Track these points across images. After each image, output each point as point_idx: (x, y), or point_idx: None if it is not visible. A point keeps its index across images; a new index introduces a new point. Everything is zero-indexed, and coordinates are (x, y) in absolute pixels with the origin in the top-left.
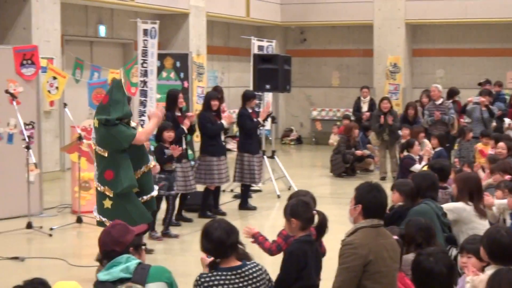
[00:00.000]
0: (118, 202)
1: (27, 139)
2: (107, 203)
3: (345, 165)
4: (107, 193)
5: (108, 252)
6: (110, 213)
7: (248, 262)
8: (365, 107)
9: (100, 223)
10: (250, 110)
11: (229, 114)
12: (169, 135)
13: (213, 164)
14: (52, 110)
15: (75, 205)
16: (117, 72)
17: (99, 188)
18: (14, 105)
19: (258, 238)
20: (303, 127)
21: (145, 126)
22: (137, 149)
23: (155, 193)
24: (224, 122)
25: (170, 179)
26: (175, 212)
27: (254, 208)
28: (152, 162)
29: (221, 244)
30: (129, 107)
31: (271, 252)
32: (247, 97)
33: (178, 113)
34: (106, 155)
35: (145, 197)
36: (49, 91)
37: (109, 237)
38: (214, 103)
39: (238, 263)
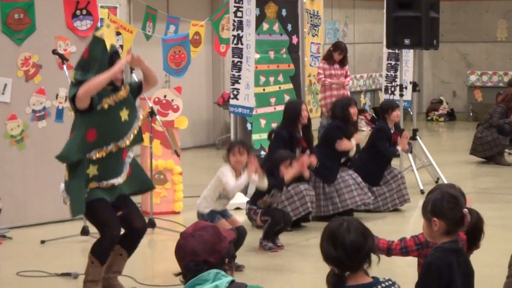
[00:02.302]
0: (68, 175)
1: None
2: (66, 174)
3: (502, 142)
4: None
5: (199, 263)
6: (66, 187)
7: (381, 279)
8: None
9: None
10: (392, 129)
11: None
12: (285, 168)
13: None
14: None
15: (146, 204)
16: (201, 25)
17: None
18: (64, 70)
19: (378, 244)
20: (456, 98)
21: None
22: (109, 118)
23: (117, 181)
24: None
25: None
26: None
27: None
28: (125, 142)
29: (357, 251)
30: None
31: (389, 251)
32: (384, 109)
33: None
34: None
35: (105, 182)
36: None
37: (201, 243)
38: (354, 112)
39: (369, 279)
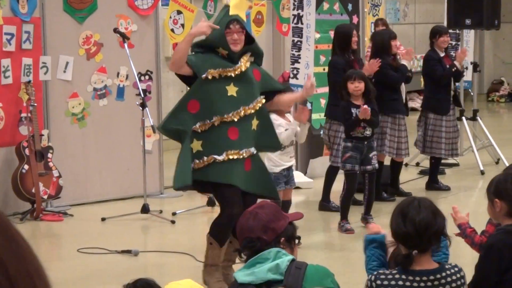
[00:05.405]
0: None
1: (142, 94)
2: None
3: None
4: None
5: (252, 240)
6: None
7: (447, 265)
8: None
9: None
10: (442, 54)
11: (409, 49)
12: (355, 86)
13: (386, 127)
14: None
15: None
16: (262, 4)
17: None
18: (125, 48)
19: (465, 230)
20: None
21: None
22: (213, 90)
23: (218, 157)
24: (405, 61)
25: (360, 148)
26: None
27: (447, 189)
28: (230, 116)
29: (426, 228)
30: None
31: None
32: (432, 34)
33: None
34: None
35: (205, 158)
36: (172, 30)
37: (256, 220)
38: (394, 44)
39: (435, 265)
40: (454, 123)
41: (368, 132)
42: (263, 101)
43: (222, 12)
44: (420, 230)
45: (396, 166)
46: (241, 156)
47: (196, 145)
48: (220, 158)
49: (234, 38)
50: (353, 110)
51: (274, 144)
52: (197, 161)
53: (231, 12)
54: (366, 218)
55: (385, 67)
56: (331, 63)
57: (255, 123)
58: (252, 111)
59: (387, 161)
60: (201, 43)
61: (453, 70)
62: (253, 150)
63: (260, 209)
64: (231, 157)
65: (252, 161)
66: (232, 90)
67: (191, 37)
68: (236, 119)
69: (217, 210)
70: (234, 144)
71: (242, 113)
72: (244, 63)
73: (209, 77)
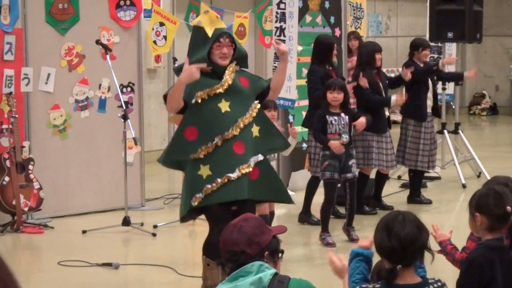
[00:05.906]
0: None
1: (124, 106)
2: None
3: None
4: None
5: (236, 253)
6: None
7: (430, 280)
8: None
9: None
10: (421, 66)
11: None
12: (333, 97)
13: (373, 140)
14: (158, 67)
15: None
16: (245, 16)
17: None
18: (107, 60)
19: (446, 248)
20: (499, 92)
21: None
22: (206, 112)
23: (232, 175)
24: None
25: (339, 156)
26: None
27: (428, 202)
28: (231, 132)
29: (411, 243)
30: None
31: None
32: (415, 46)
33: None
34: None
35: (219, 180)
36: (154, 42)
37: (240, 233)
38: (378, 57)
39: (418, 279)
40: (433, 135)
41: (345, 139)
42: (258, 106)
43: (196, 33)
44: (405, 244)
45: (382, 178)
46: (251, 169)
47: (205, 171)
48: (234, 175)
49: (224, 52)
50: (329, 118)
51: (281, 144)
52: (208, 186)
53: (209, 33)
54: (348, 230)
55: (366, 94)
56: (310, 71)
57: (256, 129)
58: (250, 119)
59: (372, 174)
60: (183, 65)
61: (434, 68)
62: (260, 157)
63: (245, 222)
64: (243, 171)
65: (259, 168)
66: (225, 106)
67: (182, 85)
68: (237, 133)
69: (198, 222)
70: (243, 158)
71: (241, 125)
72: (229, 76)
73: (199, 100)
